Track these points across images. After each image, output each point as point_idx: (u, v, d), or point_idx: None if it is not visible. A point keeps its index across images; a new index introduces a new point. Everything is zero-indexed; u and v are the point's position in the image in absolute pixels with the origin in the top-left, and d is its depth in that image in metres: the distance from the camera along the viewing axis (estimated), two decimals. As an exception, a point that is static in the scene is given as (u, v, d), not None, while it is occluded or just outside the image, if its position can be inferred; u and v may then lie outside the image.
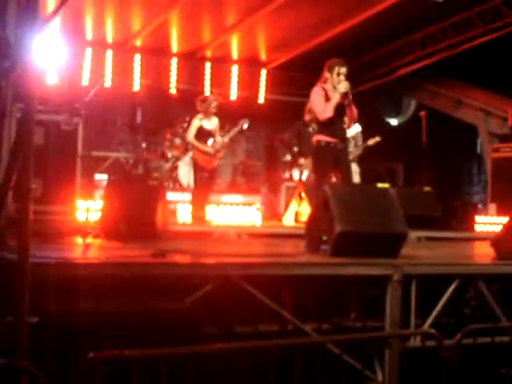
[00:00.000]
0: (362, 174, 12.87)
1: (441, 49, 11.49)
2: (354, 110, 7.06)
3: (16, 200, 4.64)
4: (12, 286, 4.27)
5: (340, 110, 6.97)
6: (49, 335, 4.16)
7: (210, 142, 9.72)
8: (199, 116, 9.76)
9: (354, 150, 10.47)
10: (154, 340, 4.20)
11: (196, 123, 9.72)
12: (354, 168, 10.46)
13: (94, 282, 4.80)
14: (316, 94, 7.01)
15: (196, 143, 9.67)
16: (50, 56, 10.36)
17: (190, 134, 9.75)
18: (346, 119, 7.28)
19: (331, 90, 6.98)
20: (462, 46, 11.22)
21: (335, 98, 6.88)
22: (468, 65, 11.95)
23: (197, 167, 9.82)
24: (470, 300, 7.85)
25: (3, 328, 4.30)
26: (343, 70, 6.96)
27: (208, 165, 9.73)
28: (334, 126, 7.00)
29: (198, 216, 9.56)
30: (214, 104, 9.77)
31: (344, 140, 7.17)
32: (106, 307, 4.52)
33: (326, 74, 7.02)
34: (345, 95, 6.90)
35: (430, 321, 5.95)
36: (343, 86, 6.87)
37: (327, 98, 6.94)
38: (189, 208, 9.85)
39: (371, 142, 10.64)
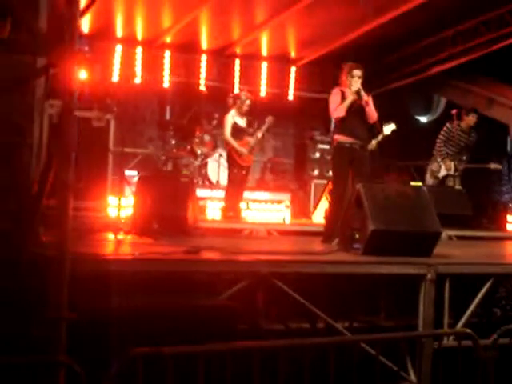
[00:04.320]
0: (390, 173, 12.88)
1: (472, 46, 11.35)
2: (373, 111, 7.36)
3: (51, 196, 4.67)
4: (46, 282, 4.30)
5: (356, 110, 7.41)
6: (83, 330, 4.18)
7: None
8: (232, 113, 9.77)
9: None
10: (189, 336, 4.21)
11: (230, 120, 9.73)
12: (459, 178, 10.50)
13: (127, 278, 4.83)
14: (333, 96, 7.55)
15: (233, 142, 9.68)
16: (82, 52, 10.42)
17: (227, 132, 9.73)
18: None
19: (348, 91, 7.43)
20: (494, 45, 11.07)
21: (349, 99, 7.37)
22: (500, 63, 11.81)
23: (234, 165, 9.80)
24: (501, 300, 7.80)
25: (41, 323, 4.34)
26: (358, 72, 7.44)
27: (246, 162, 9.77)
28: (351, 125, 7.44)
29: (230, 213, 9.57)
30: (247, 102, 9.77)
31: (362, 139, 7.53)
32: (140, 303, 4.54)
33: (343, 77, 7.52)
34: (358, 95, 7.33)
35: (463, 320, 5.92)
36: (355, 86, 7.34)
37: (343, 99, 7.43)
38: (220, 205, 9.87)
39: (493, 166, 10.55)
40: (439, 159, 10.47)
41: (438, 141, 10.52)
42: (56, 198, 4.27)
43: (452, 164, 10.45)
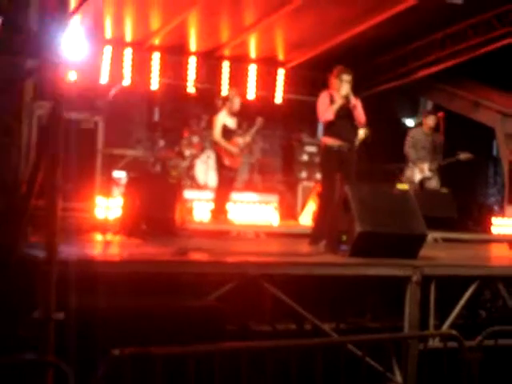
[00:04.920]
0: (377, 175, 12.92)
1: (460, 50, 11.43)
2: (361, 114, 7.42)
3: (40, 197, 4.68)
4: (34, 283, 4.31)
5: (345, 113, 7.45)
6: (71, 331, 4.19)
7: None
8: (222, 114, 9.74)
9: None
10: (177, 337, 4.22)
11: (220, 121, 9.69)
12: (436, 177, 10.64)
13: (115, 279, 4.84)
14: (322, 99, 7.59)
15: (223, 142, 9.65)
16: (70, 53, 10.41)
17: (217, 133, 9.70)
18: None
19: (337, 95, 7.48)
20: (481, 49, 11.15)
21: (338, 103, 7.42)
22: (486, 66, 11.90)
23: (222, 166, 9.75)
24: (486, 302, 7.87)
25: (29, 324, 4.35)
26: (346, 76, 7.49)
27: (234, 164, 9.76)
28: (339, 128, 7.49)
29: (220, 214, 9.57)
30: (236, 100, 9.77)
31: (350, 142, 7.57)
32: (128, 304, 4.55)
33: (332, 81, 7.55)
34: (346, 99, 7.40)
35: (448, 322, 5.97)
36: (344, 90, 7.40)
37: (332, 102, 7.48)
38: (210, 206, 9.88)
39: (463, 156, 10.55)
40: (411, 165, 10.65)
41: (406, 148, 10.76)
42: (44, 198, 4.28)
43: (425, 166, 10.60)
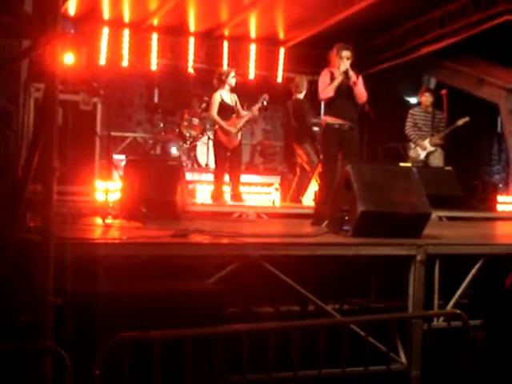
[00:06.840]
0: (381, 154, 12.86)
1: (461, 27, 11.30)
2: (362, 91, 7.37)
3: (36, 180, 4.61)
4: (32, 268, 4.26)
5: (345, 91, 7.42)
6: (69, 316, 4.14)
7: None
8: (220, 92, 9.64)
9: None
10: (177, 320, 4.17)
11: (217, 98, 9.61)
12: (439, 151, 10.60)
13: (114, 263, 4.78)
14: (322, 76, 7.58)
15: (220, 121, 9.56)
16: (68, 35, 10.32)
17: (214, 111, 9.61)
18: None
19: (337, 72, 7.47)
20: (482, 25, 11.01)
21: (337, 79, 7.40)
22: (490, 42, 11.78)
23: (218, 146, 9.68)
24: (491, 280, 7.80)
25: (26, 309, 4.30)
26: (347, 53, 7.46)
27: (230, 144, 9.64)
28: (339, 106, 7.47)
29: (219, 196, 9.51)
30: (231, 75, 9.67)
31: (351, 121, 7.50)
32: (128, 288, 4.50)
33: (332, 58, 7.53)
34: (346, 75, 7.37)
35: (453, 301, 5.91)
36: (343, 66, 7.39)
37: (333, 80, 7.46)
38: (209, 188, 9.81)
39: (460, 122, 10.50)
40: (413, 145, 10.62)
41: (406, 128, 10.75)
42: (41, 182, 4.22)
43: (426, 142, 10.55)
